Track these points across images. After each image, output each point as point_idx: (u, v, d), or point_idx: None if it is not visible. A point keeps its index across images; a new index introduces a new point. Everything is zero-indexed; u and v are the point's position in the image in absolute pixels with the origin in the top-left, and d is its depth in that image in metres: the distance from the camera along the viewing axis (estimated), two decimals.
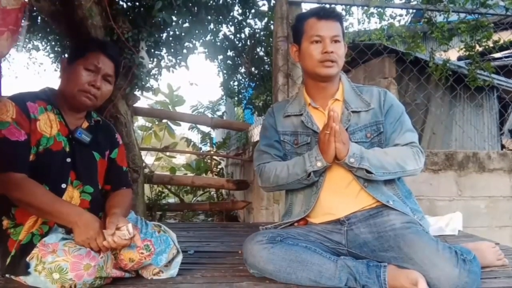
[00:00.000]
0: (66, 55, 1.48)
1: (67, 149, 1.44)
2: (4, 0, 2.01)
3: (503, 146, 4.77)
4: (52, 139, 1.41)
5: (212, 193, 6.77)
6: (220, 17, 4.55)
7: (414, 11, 4.36)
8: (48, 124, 1.41)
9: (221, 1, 4.39)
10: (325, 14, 1.58)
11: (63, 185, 1.41)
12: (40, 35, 5.04)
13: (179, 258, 1.50)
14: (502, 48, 4.15)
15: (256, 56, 4.97)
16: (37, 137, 1.38)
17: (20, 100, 1.39)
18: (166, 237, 1.46)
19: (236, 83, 5.53)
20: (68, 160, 1.44)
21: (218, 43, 4.96)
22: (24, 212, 1.36)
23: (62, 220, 1.33)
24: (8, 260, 1.34)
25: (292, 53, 1.69)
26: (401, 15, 4.11)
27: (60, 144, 1.42)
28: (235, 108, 8.25)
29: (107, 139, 1.61)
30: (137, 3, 3.50)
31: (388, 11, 3.77)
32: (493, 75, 3.69)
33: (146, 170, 4.54)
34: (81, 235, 1.30)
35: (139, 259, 1.39)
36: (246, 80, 5.36)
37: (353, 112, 1.60)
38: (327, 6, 2.86)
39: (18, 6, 2.11)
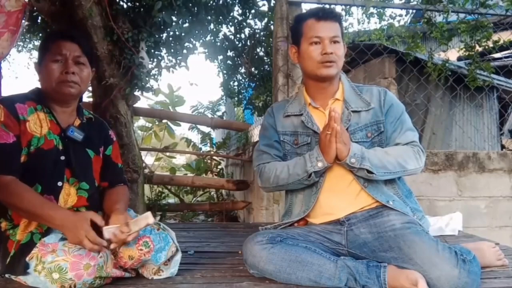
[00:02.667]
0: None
1: (60, 147, 1.44)
2: (7, 3, 2.02)
3: (503, 146, 4.77)
4: (43, 139, 1.41)
5: (212, 193, 6.77)
6: (220, 17, 4.55)
7: (414, 11, 4.36)
8: (38, 124, 1.42)
9: (221, 1, 4.40)
10: (324, 15, 1.57)
11: (59, 183, 1.41)
12: (40, 35, 5.04)
13: (179, 256, 1.50)
14: (502, 48, 4.15)
15: (256, 56, 4.97)
16: (28, 138, 1.38)
17: (9, 102, 1.39)
18: (166, 234, 1.46)
19: (236, 83, 5.53)
20: (62, 158, 1.44)
21: (218, 43, 4.96)
22: None
23: (51, 224, 1.32)
24: (8, 260, 1.34)
25: (291, 54, 1.68)
26: (400, 15, 4.10)
27: (51, 143, 1.42)
28: (235, 108, 8.24)
29: (101, 136, 1.61)
30: (137, 3, 3.50)
31: (388, 11, 3.78)
32: (493, 75, 3.69)
33: (146, 171, 4.54)
34: (73, 238, 1.28)
35: (138, 256, 1.39)
36: (246, 80, 5.36)
37: (353, 111, 1.60)
38: (327, 6, 2.87)
39: (19, 7, 2.11)
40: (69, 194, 1.43)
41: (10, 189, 1.31)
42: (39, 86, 1.53)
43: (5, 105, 1.37)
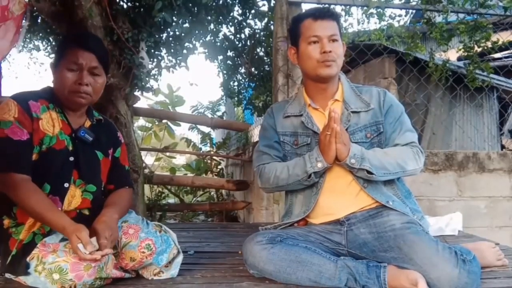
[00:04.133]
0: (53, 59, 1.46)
1: (70, 148, 1.44)
2: (14, 7, 2.04)
3: (503, 146, 4.78)
4: (55, 138, 1.41)
5: (212, 193, 6.77)
6: (220, 17, 4.56)
7: (414, 11, 4.36)
8: (50, 123, 1.41)
9: (221, 1, 4.39)
10: (321, 14, 1.57)
11: (66, 184, 1.41)
12: (40, 35, 5.04)
13: (180, 259, 1.50)
14: (502, 49, 4.15)
15: (256, 57, 4.97)
16: (40, 136, 1.38)
17: (22, 99, 1.38)
18: (167, 237, 1.46)
19: (236, 83, 5.54)
20: (71, 159, 1.43)
21: (218, 44, 4.96)
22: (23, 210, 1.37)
23: (50, 225, 1.33)
24: (9, 259, 1.34)
25: (290, 55, 1.68)
26: (400, 16, 4.10)
27: (63, 143, 1.42)
28: (235, 109, 8.25)
29: (110, 138, 1.60)
30: (137, 3, 3.50)
31: (388, 11, 3.77)
32: (493, 76, 3.69)
33: (146, 171, 4.54)
34: (72, 243, 1.26)
35: (140, 258, 1.39)
36: (246, 80, 5.36)
37: (353, 112, 1.60)
38: (327, 6, 2.87)
39: (23, 10, 2.14)
40: (74, 195, 1.43)
41: (19, 188, 1.31)
42: (51, 86, 1.52)
43: (19, 102, 1.37)
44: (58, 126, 1.43)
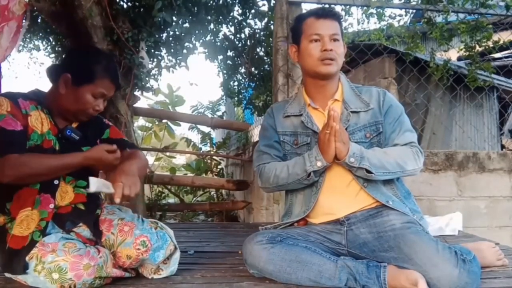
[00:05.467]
0: (69, 73, 1.43)
1: (57, 148, 1.44)
2: (14, 7, 2.05)
3: (503, 146, 4.78)
4: (42, 137, 1.42)
5: (212, 193, 6.77)
6: (220, 17, 4.56)
7: (414, 11, 4.36)
8: (39, 121, 1.43)
9: (221, 1, 4.40)
10: (324, 13, 1.59)
11: (56, 181, 1.42)
12: (40, 34, 5.04)
13: (177, 255, 1.51)
14: (502, 48, 4.15)
15: (256, 56, 4.97)
16: (29, 132, 1.39)
17: (12, 97, 1.40)
18: (163, 233, 1.46)
19: (236, 83, 5.54)
20: None
21: (218, 43, 4.96)
22: (17, 205, 1.36)
23: (72, 167, 1.39)
24: (7, 256, 1.34)
25: (291, 53, 1.69)
26: (400, 15, 4.11)
27: (50, 143, 1.43)
28: (235, 108, 8.25)
29: (96, 130, 1.60)
30: (137, 3, 3.50)
31: (388, 11, 3.77)
32: (493, 75, 3.69)
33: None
34: (98, 154, 1.38)
35: (136, 255, 1.39)
36: (246, 80, 5.36)
37: (352, 112, 1.60)
38: (327, 6, 2.87)
39: (23, 9, 2.15)
40: (66, 191, 1.44)
41: (23, 159, 1.31)
42: (38, 89, 1.53)
43: (9, 99, 1.39)
44: (46, 125, 1.44)
